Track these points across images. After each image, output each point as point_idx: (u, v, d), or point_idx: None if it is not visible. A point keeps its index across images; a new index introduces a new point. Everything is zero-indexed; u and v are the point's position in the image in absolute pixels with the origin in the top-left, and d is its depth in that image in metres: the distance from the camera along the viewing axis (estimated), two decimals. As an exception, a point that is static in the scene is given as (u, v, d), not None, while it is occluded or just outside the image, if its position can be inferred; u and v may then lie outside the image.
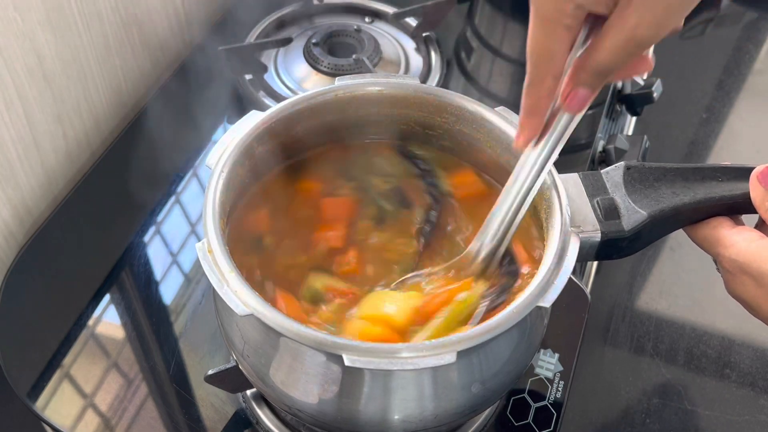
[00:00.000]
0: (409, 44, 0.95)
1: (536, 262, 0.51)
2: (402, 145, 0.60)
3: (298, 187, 0.58)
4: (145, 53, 0.88)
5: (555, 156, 0.48)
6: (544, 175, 0.48)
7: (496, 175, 0.58)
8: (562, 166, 0.52)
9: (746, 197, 0.48)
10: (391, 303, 0.50)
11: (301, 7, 0.97)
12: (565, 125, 0.47)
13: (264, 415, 0.61)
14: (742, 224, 0.51)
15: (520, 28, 1.00)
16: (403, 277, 0.53)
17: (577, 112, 0.46)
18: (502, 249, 0.51)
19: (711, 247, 0.50)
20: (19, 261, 0.70)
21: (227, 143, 0.52)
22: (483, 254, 0.51)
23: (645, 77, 0.96)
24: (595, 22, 0.43)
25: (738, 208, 0.50)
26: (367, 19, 0.98)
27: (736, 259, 0.47)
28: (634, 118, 0.98)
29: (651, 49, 0.45)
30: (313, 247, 0.55)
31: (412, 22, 0.97)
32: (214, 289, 0.45)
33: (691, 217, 0.51)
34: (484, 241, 0.51)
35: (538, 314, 0.50)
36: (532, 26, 0.43)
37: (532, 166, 0.48)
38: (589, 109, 0.92)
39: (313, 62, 0.89)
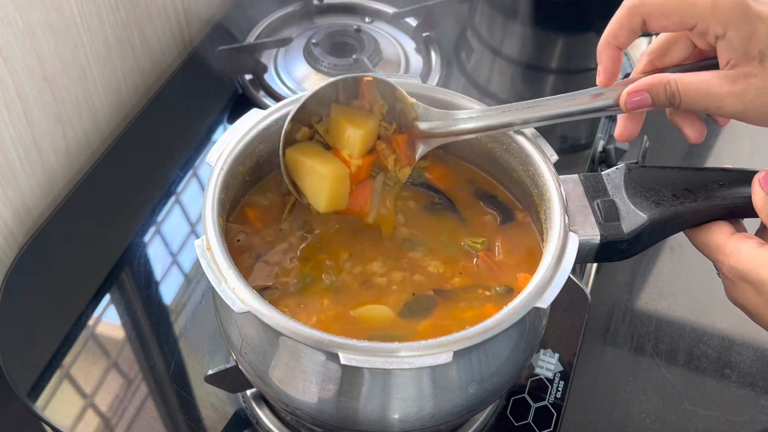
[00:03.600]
0: (409, 44, 0.95)
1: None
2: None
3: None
4: (145, 53, 0.88)
5: (563, 119, 0.51)
6: (540, 123, 0.51)
7: (496, 175, 0.58)
8: (562, 166, 0.52)
9: (747, 201, 0.48)
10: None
11: (301, 7, 0.97)
12: (597, 107, 0.50)
13: (264, 415, 0.61)
14: (743, 229, 0.50)
15: (520, 28, 0.99)
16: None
17: (626, 109, 0.49)
18: (434, 143, 0.54)
19: (711, 252, 0.50)
20: (19, 261, 0.70)
21: (228, 141, 0.52)
22: (424, 128, 0.54)
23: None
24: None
25: (739, 212, 0.50)
26: (367, 19, 0.98)
27: (735, 267, 0.47)
28: (634, 118, 0.98)
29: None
30: None
31: (412, 22, 0.97)
32: (212, 287, 0.45)
33: (692, 220, 0.51)
34: (438, 122, 0.53)
35: (536, 315, 0.50)
36: None
37: (541, 108, 0.51)
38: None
39: (313, 62, 0.89)
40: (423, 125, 0.54)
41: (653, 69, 0.51)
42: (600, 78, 0.50)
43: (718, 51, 0.46)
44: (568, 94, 0.51)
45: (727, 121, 0.50)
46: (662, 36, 0.50)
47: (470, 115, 0.53)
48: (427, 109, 0.54)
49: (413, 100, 0.53)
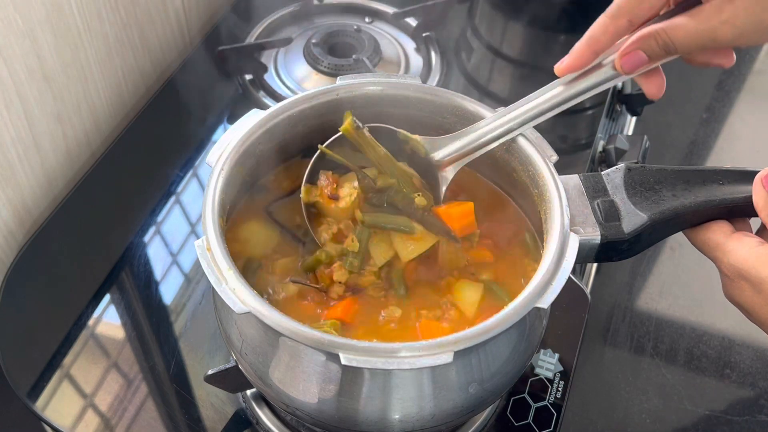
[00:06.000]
0: (409, 44, 0.95)
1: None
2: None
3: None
4: (145, 53, 0.88)
5: (565, 105, 0.49)
6: (543, 117, 0.50)
7: (496, 176, 0.58)
8: (562, 166, 0.52)
9: (747, 201, 0.48)
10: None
11: (301, 7, 0.97)
12: (596, 83, 0.48)
13: (264, 415, 0.61)
14: (743, 229, 0.50)
15: (520, 28, 0.99)
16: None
17: (625, 72, 0.47)
18: (453, 170, 0.53)
19: (710, 251, 0.50)
20: (19, 261, 0.70)
21: (228, 142, 0.52)
22: (439, 158, 0.53)
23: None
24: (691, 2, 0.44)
25: (739, 211, 0.50)
26: (367, 19, 0.98)
27: (735, 265, 0.47)
28: (634, 118, 0.98)
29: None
30: None
31: (412, 22, 0.97)
32: (212, 287, 0.45)
33: (692, 220, 0.51)
34: (448, 148, 0.53)
35: (536, 315, 0.50)
36: None
37: (539, 103, 0.50)
38: (589, 109, 0.92)
39: (313, 62, 0.89)
40: (437, 155, 0.54)
41: (634, 28, 0.48)
42: (560, 65, 0.49)
43: None
44: (565, 77, 0.50)
45: (732, 59, 0.47)
46: None
47: (480, 127, 0.53)
48: (433, 140, 0.54)
49: (417, 136, 0.54)
